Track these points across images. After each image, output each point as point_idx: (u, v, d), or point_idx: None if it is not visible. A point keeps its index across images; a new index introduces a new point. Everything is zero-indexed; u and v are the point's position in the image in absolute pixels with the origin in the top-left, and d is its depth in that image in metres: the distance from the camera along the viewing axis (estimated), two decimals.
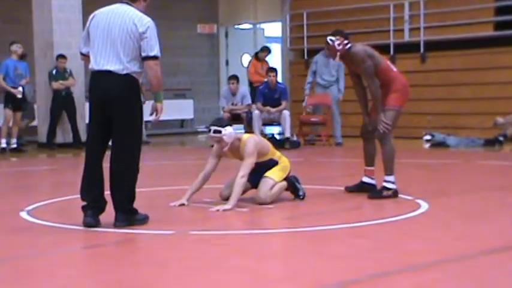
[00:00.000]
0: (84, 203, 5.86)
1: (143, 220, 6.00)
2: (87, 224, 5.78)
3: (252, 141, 6.88)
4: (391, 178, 7.25)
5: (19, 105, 13.36)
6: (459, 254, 4.94)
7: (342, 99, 13.88)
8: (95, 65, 5.83)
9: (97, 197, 5.84)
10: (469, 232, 5.74)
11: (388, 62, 7.47)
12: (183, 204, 6.88)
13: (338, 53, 7.26)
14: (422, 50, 15.11)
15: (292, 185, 7.16)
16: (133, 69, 5.80)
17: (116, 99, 5.75)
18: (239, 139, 6.89)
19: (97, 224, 5.82)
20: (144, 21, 5.82)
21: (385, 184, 7.26)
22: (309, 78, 14.08)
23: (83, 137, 14.34)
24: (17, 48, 13.42)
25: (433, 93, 14.92)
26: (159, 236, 5.68)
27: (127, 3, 5.92)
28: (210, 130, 6.86)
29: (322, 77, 13.97)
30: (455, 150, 12.77)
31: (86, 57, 6.01)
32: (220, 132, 6.78)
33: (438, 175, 9.58)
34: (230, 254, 5.08)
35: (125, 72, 5.76)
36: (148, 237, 5.66)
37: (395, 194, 7.24)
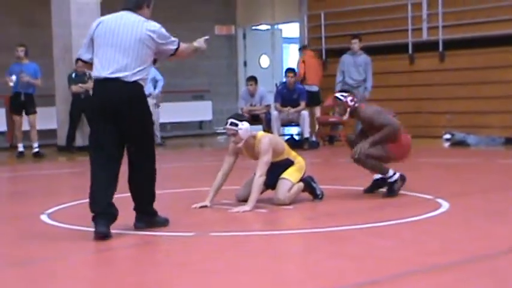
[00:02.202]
0: (94, 214, 5.63)
1: (163, 223, 6.01)
2: (99, 233, 5.51)
3: (266, 139, 6.90)
4: (389, 173, 7.27)
5: (26, 108, 13.27)
6: (480, 254, 4.91)
7: (368, 97, 13.85)
8: (102, 72, 5.69)
9: (106, 207, 5.61)
10: (490, 232, 5.70)
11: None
12: (205, 206, 6.90)
13: (349, 109, 7.31)
14: (441, 48, 15.04)
15: (308, 185, 7.15)
16: (141, 77, 5.72)
17: (128, 107, 5.65)
18: (254, 137, 6.91)
19: (109, 233, 5.56)
20: (156, 29, 5.78)
21: (389, 181, 7.28)
22: (339, 78, 14.07)
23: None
24: (17, 51, 13.38)
25: (452, 92, 14.85)
26: (178, 238, 5.70)
27: (132, 11, 5.82)
28: (227, 123, 6.90)
29: (351, 76, 13.95)
30: (476, 149, 12.71)
31: (87, 64, 5.92)
32: (236, 125, 6.80)
33: (458, 174, 9.53)
34: (250, 255, 5.09)
35: (133, 79, 5.66)
36: (168, 239, 5.68)
37: (403, 178, 7.31)
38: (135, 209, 5.93)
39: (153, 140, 5.98)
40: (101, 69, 5.71)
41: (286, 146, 7.17)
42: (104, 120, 5.68)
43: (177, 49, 5.93)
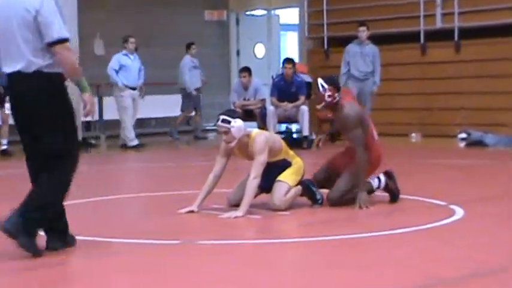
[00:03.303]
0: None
1: (70, 242, 5.62)
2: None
3: (262, 138, 6.91)
4: (374, 184, 7.29)
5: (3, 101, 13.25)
6: (497, 265, 4.94)
7: (377, 91, 13.88)
8: (5, 67, 5.50)
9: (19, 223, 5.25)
10: (509, 241, 5.73)
11: (373, 130, 7.35)
12: (192, 211, 6.91)
13: (323, 103, 7.26)
14: (456, 37, 15.07)
15: (307, 189, 7.17)
16: (44, 63, 5.39)
17: (30, 101, 5.41)
18: (248, 135, 6.92)
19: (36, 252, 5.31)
20: (36, 4, 5.35)
21: (382, 188, 7.31)
22: (343, 69, 14.03)
23: (79, 136, 14.35)
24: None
25: (469, 86, 14.87)
26: (162, 247, 5.71)
27: None
28: (218, 119, 6.92)
29: (358, 68, 13.92)
30: (494, 150, 12.74)
31: None
32: (229, 122, 6.81)
33: (474, 178, 9.56)
34: (242, 266, 5.10)
35: (33, 69, 5.39)
36: (150, 248, 5.69)
37: (389, 176, 7.31)
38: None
39: (64, 142, 5.49)
40: (4, 65, 5.54)
41: (283, 145, 7.18)
42: (18, 116, 5.52)
43: (57, 42, 5.35)
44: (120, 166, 12.17)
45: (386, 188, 7.34)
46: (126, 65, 14.25)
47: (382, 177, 7.33)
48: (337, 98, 7.24)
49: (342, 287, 4.51)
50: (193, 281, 4.70)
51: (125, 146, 14.32)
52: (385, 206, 7.22)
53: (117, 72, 14.25)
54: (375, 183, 7.30)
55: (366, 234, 5.94)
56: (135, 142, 14.27)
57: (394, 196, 7.35)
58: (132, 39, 14.54)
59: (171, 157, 13.17)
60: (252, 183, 6.76)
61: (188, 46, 16.18)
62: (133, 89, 14.31)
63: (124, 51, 14.45)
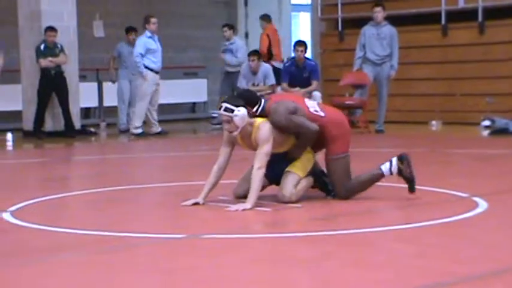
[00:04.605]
0: None
1: None
2: None
3: (266, 126, 6.89)
4: (385, 171, 7.16)
5: None
6: None
7: (394, 76, 13.86)
8: None
9: None
10: None
11: (312, 110, 7.12)
12: (197, 204, 6.92)
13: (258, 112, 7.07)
14: (480, 18, 15.03)
15: (319, 179, 7.18)
16: None
17: None
18: (251, 124, 6.91)
19: None
20: None
21: (396, 174, 7.22)
22: (359, 53, 14.06)
23: (77, 124, 14.42)
24: None
25: (494, 70, 14.85)
26: (167, 241, 5.73)
27: None
28: (221, 107, 6.92)
29: (374, 51, 13.91)
30: None
31: None
32: (232, 111, 6.81)
33: (499, 168, 9.55)
34: (250, 262, 5.11)
35: None
36: (154, 242, 5.71)
37: (401, 159, 7.12)
38: None
39: None
40: None
41: (291, 135, 7.16)
42: None
43: None
44: (122, 156, 12.18)
45: (401, 174, 7.21)
46: (153, 49, 14.16)
47: (394, 161, 7.19)
48: (259, 111, 7.03)
49: (356, 286, 4.53)
50: (199, 277, 4.71)
51: (127, 132, 14.37)
52: (403, 198, 7.21)
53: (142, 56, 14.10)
54: (386, 167, 7.20)
55: (380, 229, 5.95)
56: (140, 130, 14.30)
57: (409, 183, 7.23)
58: (154, 19, 14.24)
59: (177, 146, 13.18)
60: (257, 173, 6.76)
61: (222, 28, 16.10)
62: (157, 73, 14.32)
63: (148, 34, 14.30)
